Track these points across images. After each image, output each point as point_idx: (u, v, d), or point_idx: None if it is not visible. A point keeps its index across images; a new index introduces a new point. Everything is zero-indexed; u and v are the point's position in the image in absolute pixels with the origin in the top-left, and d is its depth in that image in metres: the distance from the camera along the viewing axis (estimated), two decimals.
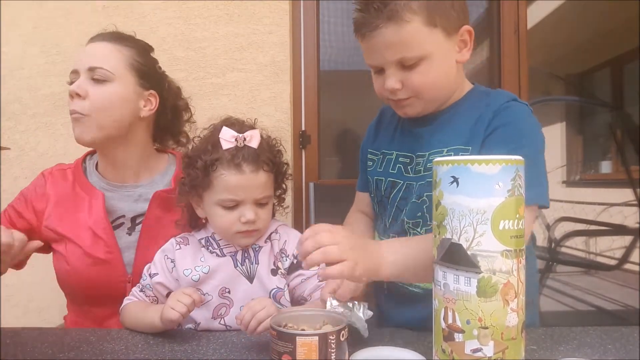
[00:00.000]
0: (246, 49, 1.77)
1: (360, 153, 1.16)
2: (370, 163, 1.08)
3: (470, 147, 0.90)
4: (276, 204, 1.08)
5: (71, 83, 1.10)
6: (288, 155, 1.76)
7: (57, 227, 1.12)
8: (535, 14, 4.40)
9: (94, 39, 1.14)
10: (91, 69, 1.08)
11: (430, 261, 0.66)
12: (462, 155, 0.89)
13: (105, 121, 1.08)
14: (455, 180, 0.59)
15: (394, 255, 0.79)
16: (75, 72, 1.10)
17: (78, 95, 1.06)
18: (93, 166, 1.19)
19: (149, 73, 1.16)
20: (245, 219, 0.94)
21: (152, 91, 1.16)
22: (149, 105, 1.15)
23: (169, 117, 1.24)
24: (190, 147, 1.12)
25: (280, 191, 1.06)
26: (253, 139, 0.96)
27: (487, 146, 0.88)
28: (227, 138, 0.95)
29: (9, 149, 1.16)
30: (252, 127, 1.00)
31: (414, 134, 1.00)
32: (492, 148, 0.87)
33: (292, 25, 1.80)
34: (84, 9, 1.79)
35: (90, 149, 1.21)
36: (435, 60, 0.88)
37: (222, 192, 0.95)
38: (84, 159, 1.22)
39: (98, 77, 1.08)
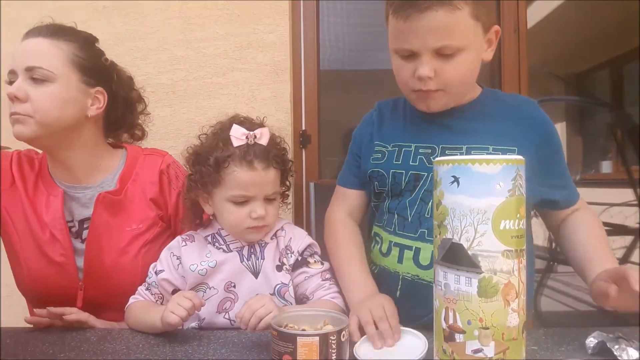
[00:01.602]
0: (246, 48, 1.77)
1: (352, 143, 1.12)
2: (378, 155, 1.05)
3: (515, 148, 0.92)
4: (279, 200, 1.09)
5: (10, 83, 1.02)
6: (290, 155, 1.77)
7: (11, 213, 1.06)
8: (535, 14, 4.40)
9: (29, 34, 1.05)
10: (29, 69, 1.00)
11: None
12: (509, 155, 0.89)
13: (48, 122, 1.00)
14: (456, 180, 0.59)
15: None
16: (12, 73, 1.02)
17: (17, 98, 0.99)
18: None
19: (93, 68, 1.07)
20: (256, 215, 0.96)
21: (98, 88, 1.07)
22: (96, 103, 1.07)
23: (120, 111, 1.15)
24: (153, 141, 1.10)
25: (284, 188, 1.07)
26: (263, 137, 0.97)
27: (544, 155, 0.96)
28: (238, 135, 0.96)
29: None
30: (262, 125, 1.01)
31: (438, 124, 0.98)
32: (552, 161, 0.99)
33: (292, 25, 1.80)
34: (84, 9, 1.78)
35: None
36: (471, 54, 0.88)
37: (233, 189, 0.96)
38: None
39: (37, 77, 1.00)
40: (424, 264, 0.95)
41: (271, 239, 1.03)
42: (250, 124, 1.00)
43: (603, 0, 3.91)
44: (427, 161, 0.98)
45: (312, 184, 1.73)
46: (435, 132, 0.98)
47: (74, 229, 1.07)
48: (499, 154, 0.88)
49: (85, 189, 1.08)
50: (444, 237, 0.61)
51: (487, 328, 0.57)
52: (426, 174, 0.97)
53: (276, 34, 1.77)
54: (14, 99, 0.99)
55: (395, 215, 1.00)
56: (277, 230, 1.05)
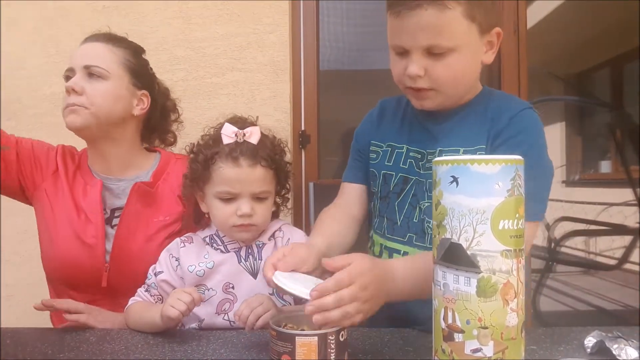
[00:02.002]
0: (246, 48, 1.77)
1: (355, 141, 1.12)
2: (374, 155, 1.04)
3: (483, 147, 0.90)
4: (280, 203, 1.09)
5: (67, 79, 1.14)
6: (288, 155, 1.77)
7: (51, 196, 1.16)
8: (535, 14, 4.41)
9: (88, 39, 1.17)
10: (87, 67, 1.12)
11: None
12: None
13: (100, 115, 1.11)
14: (455, 180, 0.59)
15: (404, 284, 0.78)
16: (70, 70, 1.14)
17: (75, 91, 1.10)
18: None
19: (141, 73, 1.20)
20: (241, 212, 0.96)
21: (144, 91, 1.20)
22: (141, 104, 1.19)
23: (157, 117, 1.28)
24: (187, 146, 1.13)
25: (284, 191, 1.07)
26: (253, 135, 0.98)
27: (499, 152, 0.87)
28: (228, 133, 0.97)
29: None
30: (253, 124, 1.02)
31: (426, 130, 0.97)
32: (504, 154, 0.88)
33: (292, 25, 1.80)
34: (84, 9, 1.79)
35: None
36: (463, 55, 0.86)
37: (219, 185, 0.97)
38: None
39: (94, 74, 1.12)
40: None
41: (269, 239, 1.03)
42: (242, 123, 1.00)
43: (603, 0, 3.91)
44: (416, 165, 0.97)
45: (311, 184, 1.73)
46: (425, 137, 0.97)
47: (105, 216, 1.16)
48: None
49: (119, 181, 1.18)
50: (443, 237, 0.61)
51: (486, 328, 0.57)
52: (414, 178, 0.97)
53: (276, 34, 1.77)
54: (71, 91, 1.10)
55: (385, 219, 1.00)
56: (275, 231, 1.05)
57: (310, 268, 0.82)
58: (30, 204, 1.21)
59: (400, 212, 0.98)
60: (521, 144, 0.87)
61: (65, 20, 1.79)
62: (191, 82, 1.76)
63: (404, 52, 0.89)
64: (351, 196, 1.09)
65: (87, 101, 1.10)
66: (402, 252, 0.97)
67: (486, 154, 0.89)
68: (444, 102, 0.93)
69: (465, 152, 0.91)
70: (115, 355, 0.82)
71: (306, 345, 0.70)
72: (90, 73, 1.12)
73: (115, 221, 1.15)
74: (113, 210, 1.16)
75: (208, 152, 0.98)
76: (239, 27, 1.77)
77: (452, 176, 0.60)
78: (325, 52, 1.90)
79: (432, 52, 0.85)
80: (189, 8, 1.77)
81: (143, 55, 1.25)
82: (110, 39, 1.18)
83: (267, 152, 0.99)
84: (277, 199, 1.08)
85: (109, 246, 1.12)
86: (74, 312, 0.99)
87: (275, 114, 1.76)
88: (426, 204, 0.94)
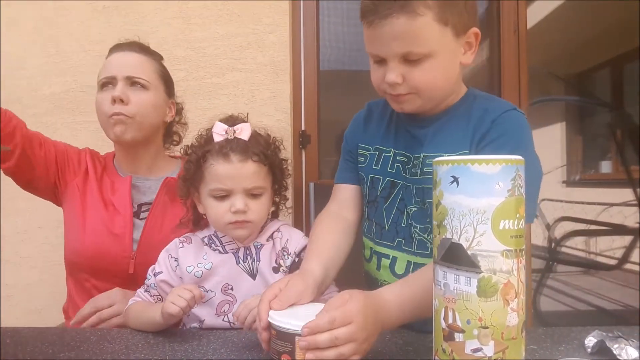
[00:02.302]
0: (246, 48, 1.77)
1: (345, 142, 1.12)
2: (362, 159, 1.04)
3: (467, 152, 0.90)
4: (279, 202, 1.09)
5: (103, 85, 1.20)
6: (288, 155, 1.77)
7: (82, 190, 1.23)
8: (535, 14, 4.41)
9: (121, 48, 1.23)
10: (129, 78, 1.19)
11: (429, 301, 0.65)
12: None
13: (144, 124, 1.20)
14: (456, 180, 0.59)
15: (399, 313, 0.77)
16: (112, 79, 1.19)
17: (121, 100, 1.17)
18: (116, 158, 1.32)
19: (169, 82, 1.30)
20: (235, 209, 0.95)
21: (172, 99, 1.31)
22: (170, 111, 1.30)
23: (175, 122, 1.37)
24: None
25: (282, 189, 1.07)
26: (243, 132, 0.98)
27: (483, 154, 0.87)
28: (219, 131, 0.98)
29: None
30: (244, 121, 1.02)
31: (412, 134, 0.98)
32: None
33: (292, 25, 1.80)
34: (84, 9, 1.79)
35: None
36: (440, 59, 0.86)
37: (212, 182, 0.97)
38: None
39: (137, 85, 1.19)
40: (399, 273, 0.96)
41: (267, 240, 1.03)
42: (233, 121, 1.01)
43: (603, 0, 3.91)
44: (403, 169, 0.97)
45: (311, 184, 1.73)
46: (411, 140, 0.97)
47: (133, 210, 1.22)
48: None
49: (146, 180, 1.26)
50: (444, 237, 0.61)
51: (487, 327, 0.57)
52: (401, 182, 0.97)
53: (276, 34, 1.77)
54: (117, 100, 1.16)
55: (374, 223, 1.00)
56: (274, 232, 1.04)
57: (308, 300, 0.80)
58: (58, 203, 1.28)
59: (388, 216, 0.98)
60: (505, 146, 0.86)
61: (65, 20, 1.80)
62: (191, 82, 1.76)
63: (381, 60, 0.89)
64: (345, 198, 1.07)
65: (132, 111, 1.17)
66: (390, 256, 0.98)
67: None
68: (424, 105, 0.92)
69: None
70: (116, 354, 0.82)
71: None
72: (134, 83, 1.19)
73: (143, 215, 1.22)
74: (140, 205, 1.23)
75: (200, 151, 0.98)
76: (239, 27, 1.77)
77: (453, 176, 0.60)
78: (326, 52, 1.91)
79: (408, 59, 0.86)
80: (189, 8, 1.77)
81: (162, 61, 1.31)
82: (143, 49, 1.25)
83: (259, 148, 0.98)
84: (276, 198, 1.08)
85: (136, 235, 1.18)
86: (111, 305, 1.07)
87: (275, 114, 1.76)
88: (414, 209, 0.94)
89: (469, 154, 0.90)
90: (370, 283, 1.02)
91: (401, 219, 0.96)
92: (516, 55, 1.84)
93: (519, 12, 1.85)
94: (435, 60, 0.85)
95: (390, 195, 0.98)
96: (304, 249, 1.02)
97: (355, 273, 1.09)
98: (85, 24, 1.78)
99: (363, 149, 1.05)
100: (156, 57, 1.29)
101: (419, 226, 0.94)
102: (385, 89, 0.91)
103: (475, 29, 0.90)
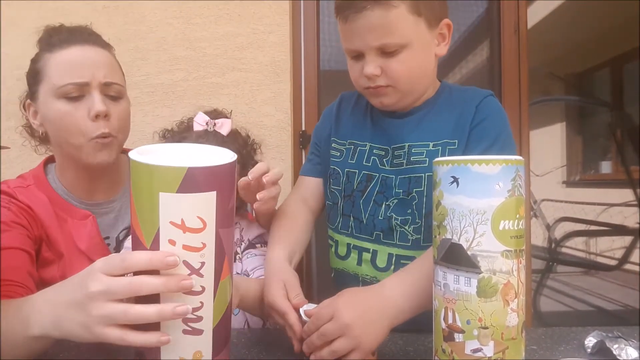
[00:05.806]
0: (246, 48, 1.77)
1: (313, 136, 1.12)
2: (336, 153, 1.04)
3: (456, 140, 0.91)
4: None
5: (71, 98, 0.91)
6: (288, 155, 1.77)
7: (51, 247, 0.94)
8: (535, 14, 4.41)
9: (78, 40, 0.95)
10: (107, 85, 0.93)
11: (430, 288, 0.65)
12: (449, 148, 0.91)
13: (122, 142, 0.99)
14: (455, 180, 0.59)
15: (406, 300, 0.75)
16: (84, 85, 0.91)
17: (106, 116, 0.91)
18: (56, 180, 1.01)
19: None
20: None
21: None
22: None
23: None
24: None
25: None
26: (224, 126, 0.99)
27: (470, 139, 0.91)
28: (200, 121, 0.99)
29: (9, 148, 1.16)
30: (226, 117, 1.03)
31: (390, 125, 0.98)
32: (474, 141, 0.90)
33: (292, 25, 1.80)
34: (84, 9, 1.79)
35: (44, 156, 1.07)
36: (416, 50, 0.88)
37: None
38: (43, 171, 1.01)
39: (114, 94, 0.94)
40: (381, 266, 0.96)
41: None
42: (216, 114, 1.02)
43: (603, 0, 3.91)
44: (380, 162, 0.97)
45: None
46: (389, 132, 0.98)
47: (111, 247, 1.00)
48: (438, 148, 0.92)
49: (112, 202, 1.03)
50: (444, 237, 0.61)
51: (487, 328, 0.58)
52: (377, 175, 0.97)
53: (276, 34, 1.77)
54: (102, 116, 0.90)
55: (351, 218, 1.00)
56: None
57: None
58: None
59: (365, 210, 0.98)
60: (491, 128, 0.91)
61: (65, 20, 1.79)
62: (191, 82, 1.76)
63: (358, 55, 0.90)
64: (309, 189, 1.08)
65: (114, 127, 0.93)
66: (371, 250, 0.97)
67: (462, 143, 0.91)
68: (403, 98, 0.93)
69: (435, 146, 0.92)
70: (116, 354, 0.82)
71: None
72: (111, 92, 0.93)
73: (126, 242, 1.03)
74: (118, 237, 1.03)
75: (177, 137, 0.99)
76: (239, 27, 1.77)
77: (453, 176, 0.60)
78: (326, 52, 1.91)
79: (385, 51, 0.87)
80: (189, 8, 1.77)
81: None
82: (103, 42, 0.98)
83: (235, 145, 0.98)
84: None
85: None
86: None
87: (275, 114, 1.76)
88: (395, 201, 0.94)
89: (456, 141, 0.92)
90: (347, 281, 0.99)
91: (378, 211, 0.96)
92: (516, 55, 1.84)
93: (519, 12, 1.85)
94: (411, 50, 0.87)
95: (367, 188, 0.98)
96: (257, 236, 1.05)
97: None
98: (85, 24, 1.78)
99: (337, 144, 1.04)
100: (112, 49, 1.01)
101: (399, 218, 0.94)
102: (363, 83, 0.92)
103: (447, 20, 0.92)
